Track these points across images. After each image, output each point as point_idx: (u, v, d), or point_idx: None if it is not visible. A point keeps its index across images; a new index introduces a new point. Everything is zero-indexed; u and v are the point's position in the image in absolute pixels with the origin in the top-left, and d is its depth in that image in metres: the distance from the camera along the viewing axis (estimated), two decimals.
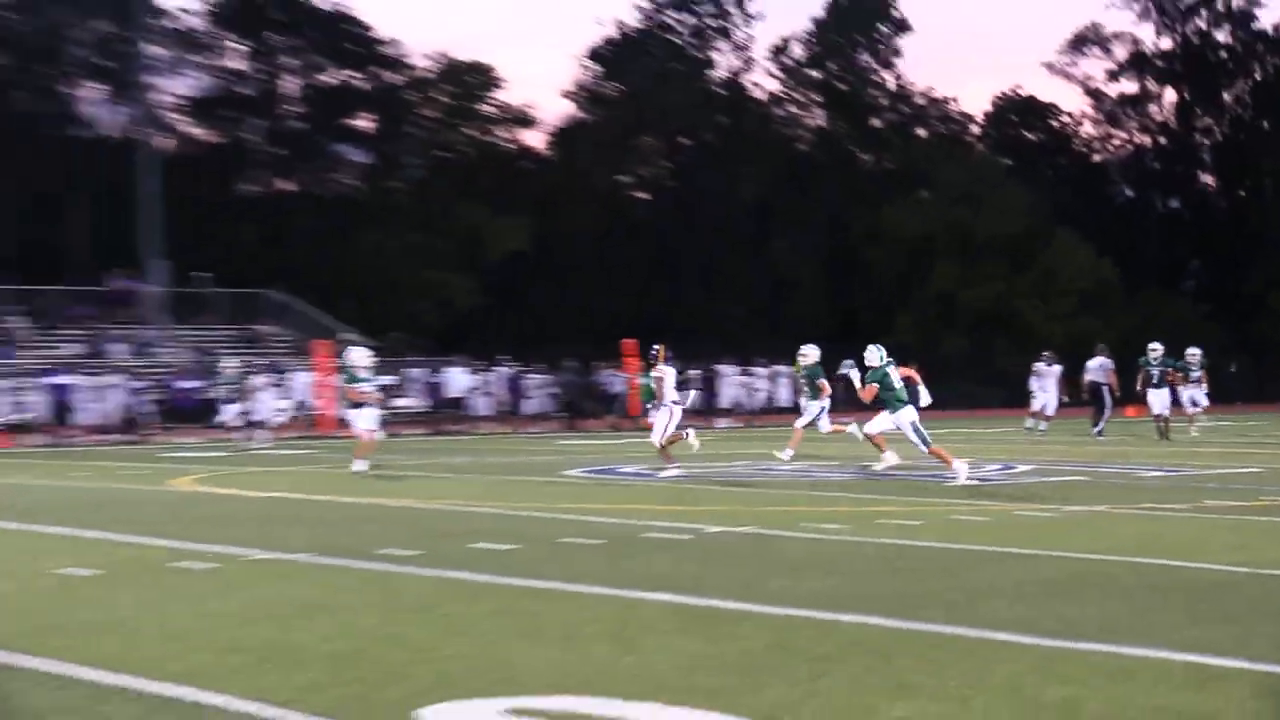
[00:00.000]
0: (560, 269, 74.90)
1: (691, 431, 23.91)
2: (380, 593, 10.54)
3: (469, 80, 78.61)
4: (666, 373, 23.90)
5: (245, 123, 75.94)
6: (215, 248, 64.58)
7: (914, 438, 21.17)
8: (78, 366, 44.40)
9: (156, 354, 50.76)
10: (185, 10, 72.45)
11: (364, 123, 78.07)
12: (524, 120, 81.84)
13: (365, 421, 24.94)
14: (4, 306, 52.13)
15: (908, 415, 21.35)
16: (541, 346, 52.44)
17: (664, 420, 23.59)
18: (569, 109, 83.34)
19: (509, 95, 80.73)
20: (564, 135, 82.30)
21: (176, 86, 73.89)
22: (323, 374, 44.03)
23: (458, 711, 6.75)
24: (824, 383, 26.52)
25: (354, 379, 25.29)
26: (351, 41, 75.83)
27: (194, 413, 43.71)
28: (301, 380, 44.33)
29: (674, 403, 23.76)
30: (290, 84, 76.51)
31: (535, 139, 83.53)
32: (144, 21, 60.04)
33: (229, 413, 38.29)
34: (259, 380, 43.61)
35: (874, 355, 21.86)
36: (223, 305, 57.32)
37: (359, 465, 24.27)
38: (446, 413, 46.89)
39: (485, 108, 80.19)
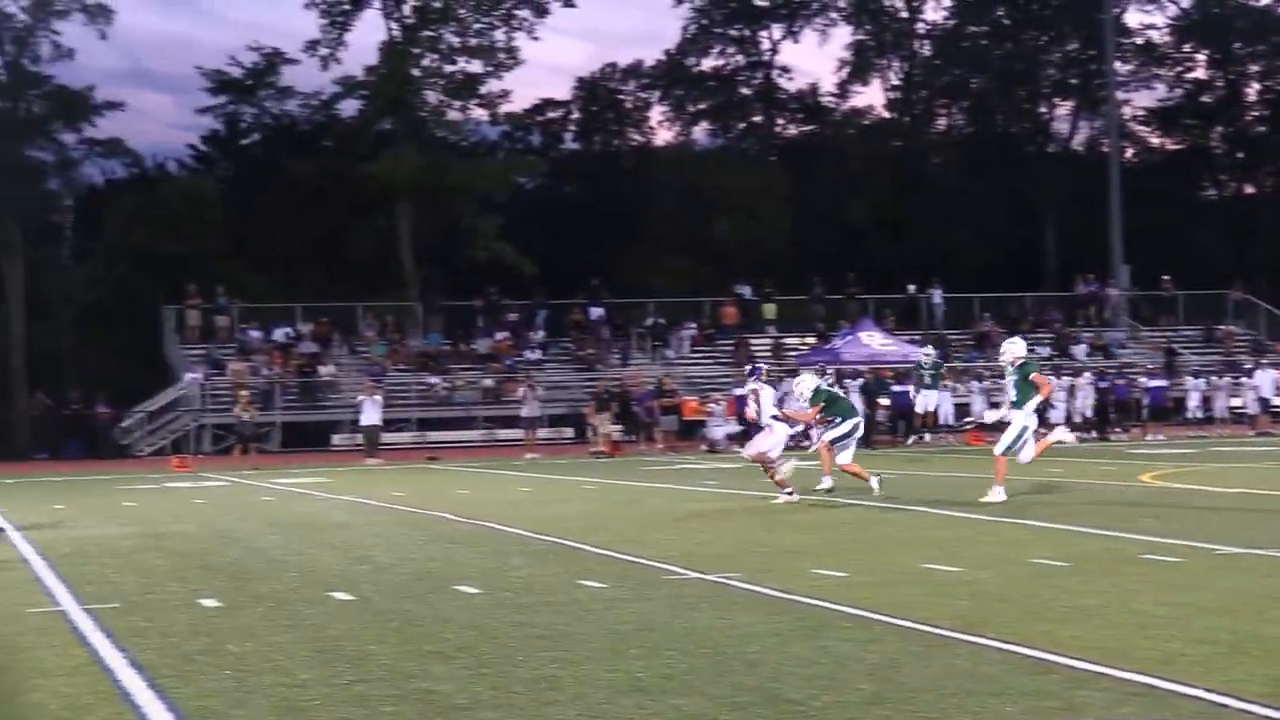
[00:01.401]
0: None
1: (791, 464, 19.89)
2: None
3: None
4: (763, 390, 20.18)
5: (1207, 129, 74.37)
6: (1176, 250, 63.58)
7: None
8: (1046, 368, 45.17)
9: (1120, 354, 50.63)
10: (1151, 26, 72.16)
11: None
12: None
13: None
14: (982, 311, 54.10)
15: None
16: None
17: (765, 437, 19.79)
18: None
19: None
20: None
21: (1140, 99, 73.71)
22: None
23: None
24: None
25: None
26: None
27: (1162, 411, 43.17)
28: (1266, 377, 42.60)
29: (774, 419, 19.86)
30: (1252, 89, 74.01)
31: None
32: (1112, 40, 60.22)
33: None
34: (1220, 380, 42.73)
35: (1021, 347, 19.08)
36: (1184, 306, 56.30)
37: None
38: None
39: None
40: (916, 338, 49.68)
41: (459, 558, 13.27)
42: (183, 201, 56.75)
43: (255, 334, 48.57)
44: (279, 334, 48.93)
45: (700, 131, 75.75)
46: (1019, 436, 18.32)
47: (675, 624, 9.14)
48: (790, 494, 19.06)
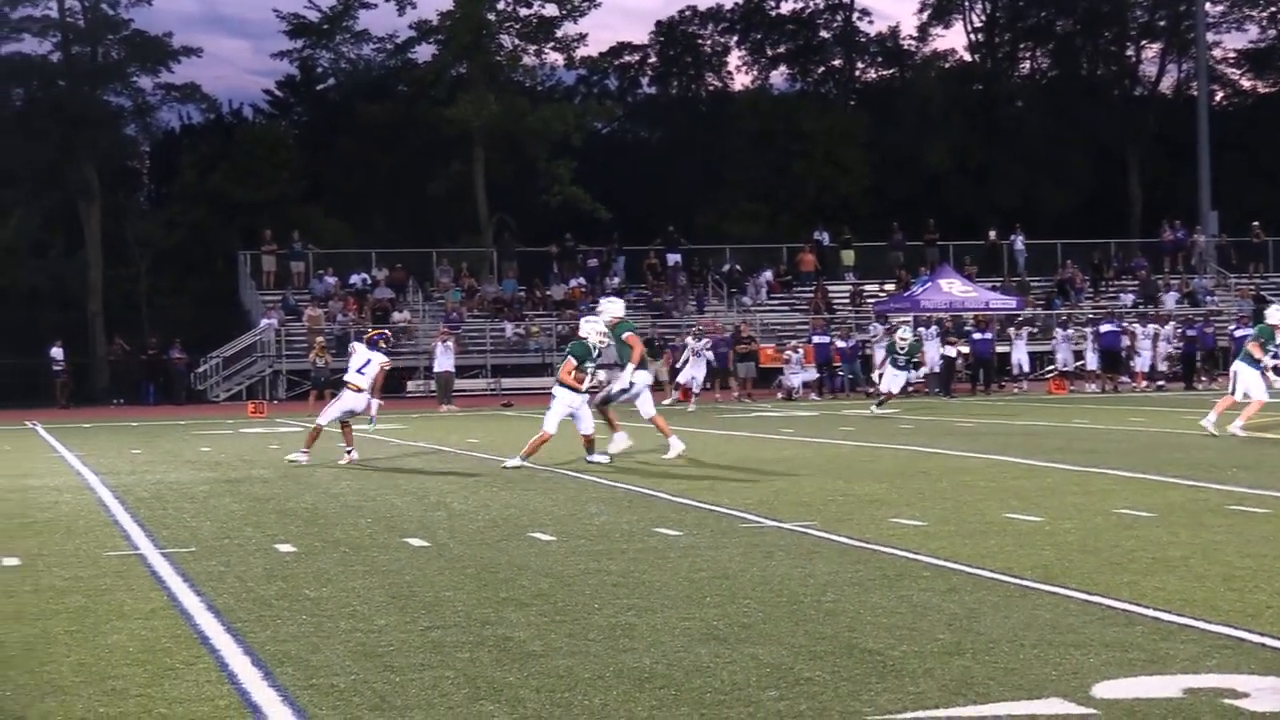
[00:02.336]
0: None
1: (351, 454, 18.83)
2: None
3: None
4: (357, 352, 19.39)
5: None
6: (1267, 196, 62.61)
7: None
8: (1131, 316, 44.78)
9: (1208, 302, 50.02)
10: None
11: None
12: None
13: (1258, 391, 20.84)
14: (1064, 258, 53.59)
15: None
16: None
17: (333, 403, 19.43)
18: None
19: None
20: None
21: (1231, 40, 72.41)
22: None
23: None
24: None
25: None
26: None
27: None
28: None
29: (357, 389, 18.94)
30: None
31: None
32: None
33: (893, 378, 31.37)
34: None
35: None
36: (1274, 252, 55.47)
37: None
38: None
39: None
40: (997, 284, 49.32)
41: (534, 505, 13.33)
42: (258, 147, 57.17)
43: (330, 280, 48.89)
44: (354, 280, 49.23)
45: (779, 76, 75.30)
46: (623, 391, 18.43)
47: (751, 572, 9.14)
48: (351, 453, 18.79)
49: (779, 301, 51.30)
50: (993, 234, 54.67)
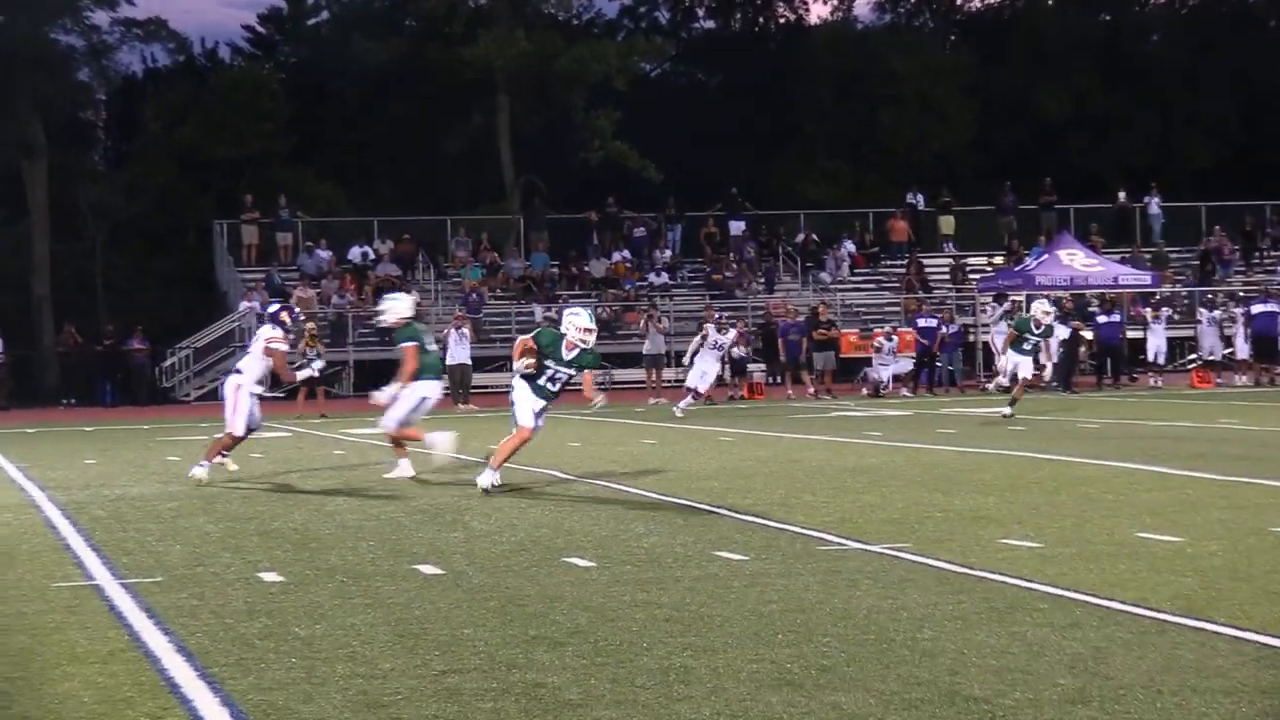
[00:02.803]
0: None
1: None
2: None
3: None
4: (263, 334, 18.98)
5: None
6: None
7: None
8: None
9: None
10: None
11: None
12: None
13: None
14: (1210, 224, 53.24)
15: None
16: None
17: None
18: None
19: None
20: None
21: None
22: None
23: None
24: None
25: None
26: None
27: None
28: None
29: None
30: None
31: None
32: None
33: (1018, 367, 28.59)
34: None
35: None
36: None
37: None
38: None
39: None
40: (1127, 256, 49.08)
41: (570, 524, 13.36)
42: (237, 94, 57.34)
43: (324, 254, 49.06)
44: (353, 254, 49.40)
45: (863, 6, 75.23)
46: (414, 408, 18.80)
47: (832, 604, 9.15)
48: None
49: (864, 278, 51.24)
50: (1122, 195, 54.44)
